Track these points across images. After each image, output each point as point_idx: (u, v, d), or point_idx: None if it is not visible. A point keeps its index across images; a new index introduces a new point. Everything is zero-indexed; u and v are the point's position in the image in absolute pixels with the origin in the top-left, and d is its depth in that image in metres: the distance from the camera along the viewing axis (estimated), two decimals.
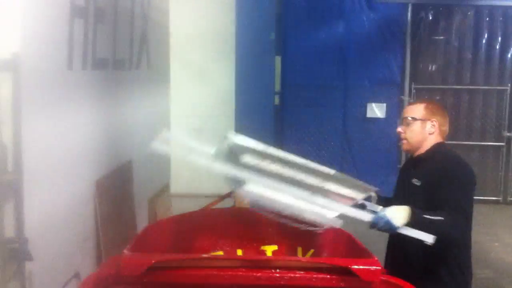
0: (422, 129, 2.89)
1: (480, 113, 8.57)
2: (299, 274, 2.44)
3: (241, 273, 2.43)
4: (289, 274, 2.43)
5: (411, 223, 2.56)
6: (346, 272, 2.41)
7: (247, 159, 2.48)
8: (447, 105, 8.55)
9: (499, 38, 8.49)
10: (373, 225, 2.57)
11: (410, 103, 3.00)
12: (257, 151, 2.74)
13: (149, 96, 5.24)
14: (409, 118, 2.91)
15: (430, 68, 8.62)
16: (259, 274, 2.43)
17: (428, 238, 2.53)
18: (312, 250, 3.05)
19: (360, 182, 2.89)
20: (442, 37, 8.58)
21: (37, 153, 2.77)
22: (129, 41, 4.43)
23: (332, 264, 2.45)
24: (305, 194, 2.47)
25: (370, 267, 2.41)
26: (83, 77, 3.39)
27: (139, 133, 4.73)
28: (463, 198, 2.71)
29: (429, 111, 2.91)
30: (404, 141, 2.95)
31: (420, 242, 2.56)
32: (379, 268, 2.44)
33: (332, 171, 2.94)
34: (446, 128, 2.96)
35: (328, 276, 2.44)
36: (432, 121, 2.90)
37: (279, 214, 2.63)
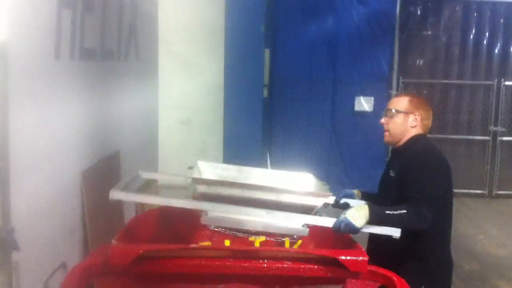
0: (405, 121, 2.91)
1: (467, 108, 8.65)
2: (286, 264, 2.45)
3: (229, 263, 2.43)
4: (276, 265, 2.45)
5: (373, 221, 2.55)
6: (333, 263, 2.43)
7: (203, 189, 2.52)
8: (435, 99, 8.61)
9: (487, 33, 8.55)
10: (336, 229, 2.55)
11: (395, 96, 3.00)
12: (216, 178, 2.86)
13: (137, 88, 5.21)
14: (393, 110, 2.93)
15: (418, 63, 8.67)
16: (246, 264, 2.44)
17: (394, 233, 2.54)
18: (300, 241, 3.06)
19: (319, 188, 2.90)
20: (430, 32, 8.62)
21: (24, 142, 2.75)
22: (118, 31, 4.40)
23: (320, 255, 2.47)
24: (266, 212, 2.48)
25: (358, 258, 2.43)
26: (71, 67, 3.36)
27: (127, 125, 4.72)
28: (432, 188, 2.69)
29: (413, 105, 2.93)
30: (386, 133, 2.97)
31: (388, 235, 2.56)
32: (366, 258, 2.46)
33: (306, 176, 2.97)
34: (429, 122, 2.98)
35: (316, 267, 2.46)
36: (415, 115, 2.91)
37: (248, 232, 2.65)
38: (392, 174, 2.91)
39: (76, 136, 3.49)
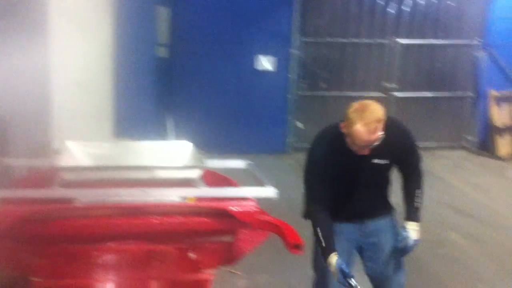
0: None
1: (363, 66, 8.95)
2: (177, 219, 2.46)
3: (118, 221, 2.41)
4: (167, 220, 2.45)
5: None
6: (223, 214, 2.47)
7: (72, 176, 2.44)
8: (333, 58, 8.85)
9: None
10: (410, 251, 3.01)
11: (366, 132, 2.68)
12: (89, 159, 2.77)
13: (24, 48, 4.91)
14: (380, 136, 2.77)
15: (317, 22, 8.80)
16: (137, 222, 2.42)
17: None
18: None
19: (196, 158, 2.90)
20: None
21: None
22: None
23: (210, 207, 2.50)
24: (140, 191, 2.46)
25: (247, 208, 2.49)
26: None
27: (13, 88, 4.46)
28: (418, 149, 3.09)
29: (383, 117, 2.76)
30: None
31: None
32: (256, 209, 2.52)
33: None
34: None
35: (206, 219, 2.49)
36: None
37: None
38: (381, 162, 2.90)
39: None
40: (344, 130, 2.75)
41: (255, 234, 2.62)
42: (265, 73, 8.51)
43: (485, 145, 9.02)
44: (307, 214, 3.01)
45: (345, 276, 2.77)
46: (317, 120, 8.94)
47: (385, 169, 3.00)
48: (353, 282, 2.77)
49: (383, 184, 3.09)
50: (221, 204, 2.49)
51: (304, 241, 2.51)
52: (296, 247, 2.43)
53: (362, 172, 2.94)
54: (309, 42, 8.74)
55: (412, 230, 2.98)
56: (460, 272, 4.73)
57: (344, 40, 8.85)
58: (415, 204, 3.03)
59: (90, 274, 2.49)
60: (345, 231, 3.02)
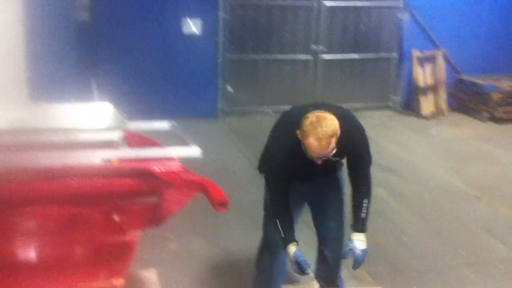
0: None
1: (291, 28, 8.96)
2: (99, 181, 2.40)
3: (38, 185, 2.32)
4: (89, 182, 2.39)
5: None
6: (147, 175, 2.43)
7: None
8: (261, 20, 8.79)
9: None
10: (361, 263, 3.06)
11: (318, 146, 2.75)
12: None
13: None
14: (333, 151, 2.82)
15: None
16: (57, 185, 2.34)
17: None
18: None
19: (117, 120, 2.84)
20: None
21: None
22: None
23: (133, 168, 2.45)
24: (57, 154, 2.37)
25: (171, 168, 2.46)
26: None
27: None
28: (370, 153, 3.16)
29: (337, 132, 2.79)
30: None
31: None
32: (180, 168, 2.49)
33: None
34: None
35: (130, 180, 2.45)
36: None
37: None
38: (335, 159, 2.96)
39: None
40: (300, 138, 2.81)
41: (181, 194, 2.60)
42: (192, 36, 8.36)
43: (410, 105, 9.32)
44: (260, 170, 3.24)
45: (301, 267, 2.94)
46: (247, 84, 8.97)
47: (333, 163, 3.12)
48: (307, 271, 2.96)
49: (336, 162, 3.17)
50: (144, 165, 2.45)
51: (230, 200, 2.51)
52: (221, 204, 2.44)
53: (317, 165, 2.99)
54: (236, 4, 8.62)
55: (358, 241, 3.03)
56: (385, 226, 4.94)
57: (271, 2, 8.81)
58: (362, 215, 3.08)
59: (10, 240, 2.40)
60: (298, 188, 3.14)
